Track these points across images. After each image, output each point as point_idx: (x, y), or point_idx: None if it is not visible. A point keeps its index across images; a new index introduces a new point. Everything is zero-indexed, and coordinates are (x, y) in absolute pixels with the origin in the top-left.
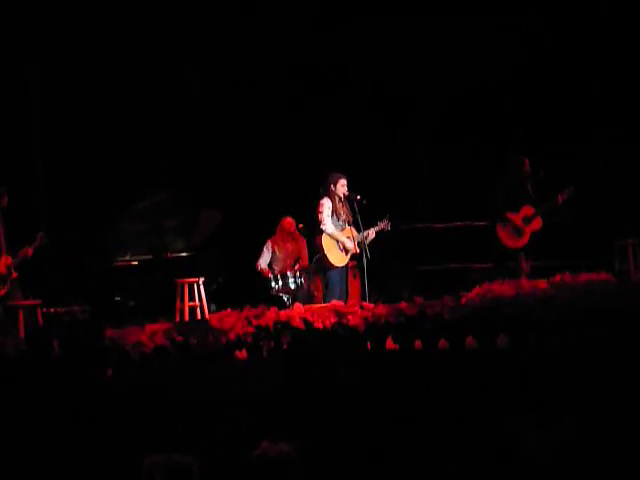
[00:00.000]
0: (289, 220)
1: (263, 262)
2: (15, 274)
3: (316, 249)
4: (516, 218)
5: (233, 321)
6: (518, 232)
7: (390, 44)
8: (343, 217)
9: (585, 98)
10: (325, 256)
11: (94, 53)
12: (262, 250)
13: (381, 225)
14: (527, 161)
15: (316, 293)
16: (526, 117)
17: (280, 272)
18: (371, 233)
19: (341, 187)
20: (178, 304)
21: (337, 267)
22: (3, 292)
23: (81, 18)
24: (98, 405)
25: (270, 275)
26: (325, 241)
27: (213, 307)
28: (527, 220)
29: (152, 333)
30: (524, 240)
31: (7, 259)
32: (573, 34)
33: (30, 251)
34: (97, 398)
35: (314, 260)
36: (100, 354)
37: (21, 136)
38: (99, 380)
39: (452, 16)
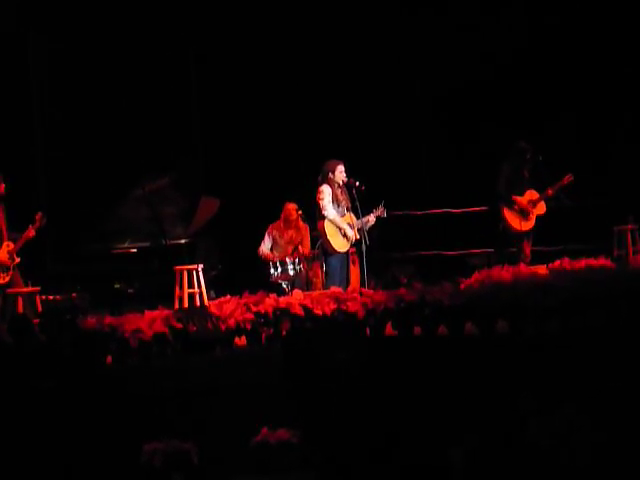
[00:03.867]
0: (292, 206)
1: (265, 248)
2: (18, 259)
3: (318, 235)
4: (522, 201)
5: (232, 308)
6: (525, 215)
7: (389, 31)
8: (342, 203)
9: (585, 83)
10: (328, 242)
11: (97, 37)
12: (264, 236)
13: (377, 212)
14: (528, 149)
15: (315, 280)
16: (525, 102)
17: (280, 259)
18: (371, 219)
19: (339, 174)
20: (177, 291)
21: (339, 253)
22: (7, 279)
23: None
24: (96, 392)
25: (275, 259)
26: (327, 227)
27: (212, 294)
28: (532, 203)
29: (151, 320)
30: (530, 223)
31: (9, 245)
32: (575, 19)
33: (32, 231)
34: (95, 385)
35: (317, 246)
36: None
37: (21, 121)
38: (88, 366)
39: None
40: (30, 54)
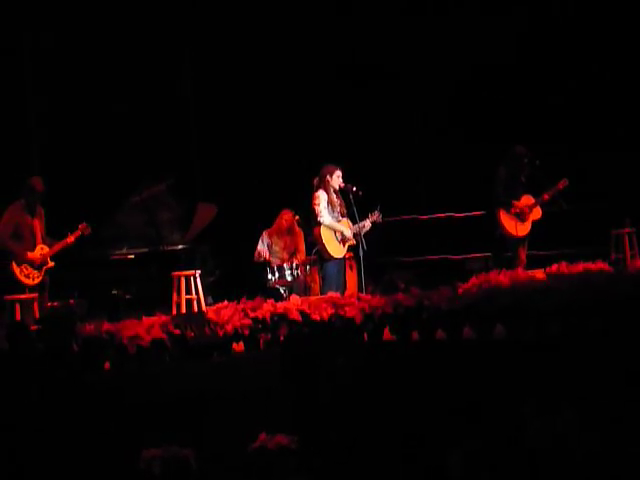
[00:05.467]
0: (289, 214)
1: (260, 251)
2: (51, 263)
3: (314, 241)
4: (519, 206)
5: (230, 313)
6: (521, 220)
7: (386, 32)
8: (338, 209)
9: (583, 84)
10: (324, 248)
11: (92, 42)
12: (257, 242)
13: (373, 217)
14: (525, 154)
15: (313, 285)
16: (522, 105)
17: (277, 264)
18: (367, 224)
19: (337, 179)
20: (175, 297)
21: (335, 258)
22: (38, 280)
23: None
24: (94, 398)
25: (270, 258)
26: (323, 233)
27: (210, 300)
28: (529, 209)
29: (149, 326)
30: (526, 229)
31: (43, 248)
32: (573, 20)
33: (71, 238)
34: (93, 391)
35: (314, 252)
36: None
37: (18, 127)
38: (89, 373)
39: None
40: (25, 59)
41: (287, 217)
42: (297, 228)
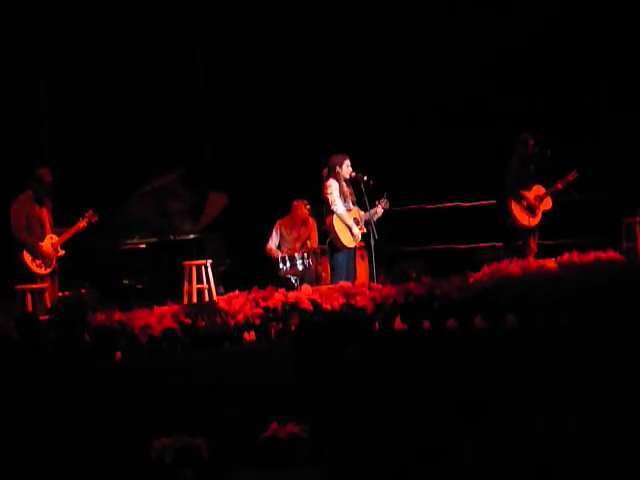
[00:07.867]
0: (301, 204)
1: (272, 244)
2: (62, 252)
3: (326, 231)
4: (530, 196)
5: (241, 303)
6: (531, 210)
7: (395, 25)
8: (348, 198)
9: (594, 75)
10: (337, 237)
11: (104, 35)
12: (271, 232)
13: (381, 204)
14: (532, 141)
15: (324, 274)
16: (533, 95)
17: (288, 254)
18: (379, 210)
19: (346, 168)
20: (186, 286)
21: (348, 248)
22: (49, 270)
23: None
24: (106, 388)
25: (279, 256)
26: (336, 223)
27: (221, 289)
28: (539, 199)
29: (160, 316)
30: (537, 219)
31: (52, 238)
32: (580, 13)
33: (84, 223)
34: (104, 381)
35: (327, 242)
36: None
37: (29, 116)
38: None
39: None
40: (37, 52)
41: (302, 208)
42: (310, 219)
